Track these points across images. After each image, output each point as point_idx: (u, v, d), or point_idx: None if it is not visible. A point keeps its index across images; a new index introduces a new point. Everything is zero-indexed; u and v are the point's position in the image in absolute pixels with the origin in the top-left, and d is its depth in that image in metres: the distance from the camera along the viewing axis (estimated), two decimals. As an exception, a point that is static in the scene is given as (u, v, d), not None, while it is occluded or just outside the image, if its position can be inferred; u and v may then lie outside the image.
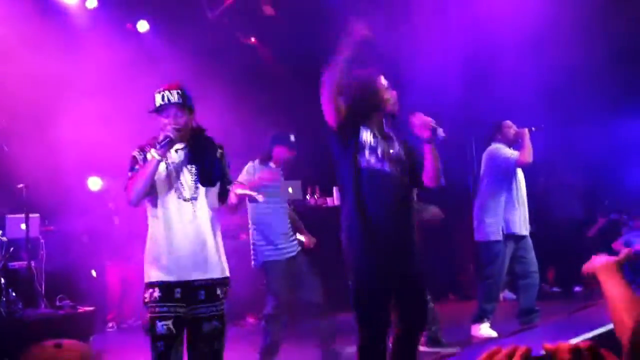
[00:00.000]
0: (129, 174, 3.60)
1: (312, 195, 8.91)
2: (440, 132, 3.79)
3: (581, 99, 9.03)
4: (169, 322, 3.50)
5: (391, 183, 3.84)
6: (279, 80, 9.99)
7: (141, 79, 8.22)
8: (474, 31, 8.42)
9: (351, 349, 3.86)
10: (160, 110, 3.63)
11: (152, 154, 3.54)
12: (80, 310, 6.55)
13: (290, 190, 7.45)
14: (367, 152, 3.82)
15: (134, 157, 3.63)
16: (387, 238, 3.76)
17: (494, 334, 5.97)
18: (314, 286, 5.38)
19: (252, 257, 5.39)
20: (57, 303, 6.60)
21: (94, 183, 8.64)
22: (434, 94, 7.52)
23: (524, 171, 6.30)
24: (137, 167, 3.59)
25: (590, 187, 9.40)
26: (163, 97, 3.63)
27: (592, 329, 4.03)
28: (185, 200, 3.58)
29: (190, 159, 3.65)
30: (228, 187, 3.72)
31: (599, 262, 2.07)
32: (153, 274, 3.56)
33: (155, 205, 3.59)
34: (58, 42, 8.11)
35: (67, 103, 7.86)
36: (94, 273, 7.92)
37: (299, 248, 5.42)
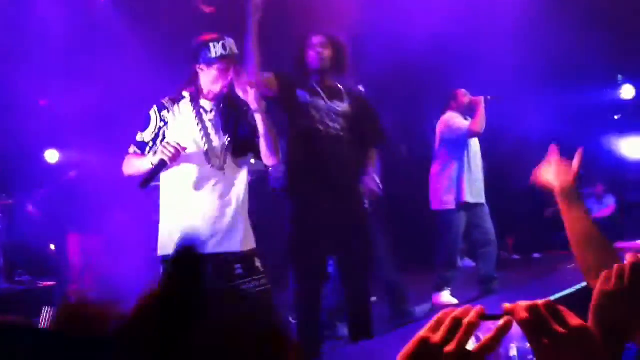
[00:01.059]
0: (142, 134, 3.29)
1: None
2: None
3: (546, 67, 9.09)
4: None
5: (331, 140, 3.98)
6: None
7: (100, 49, 8.07)
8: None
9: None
10: (213, 62, 3.25)
11: (150, 158, 3.20)
12: (40, 285, 6.46)
13: (252, 161, 7.40)
14: (306, 113, 3.97)
15: (150, 116, 3.30)
16: (320, 194, 3.91)
17: (454, 301, 6.04)
18: None
19: None
20: (16, 278, 6.50)
21: (52, 156, 8.49)
22: (396, 62, 7.50)
23: (483, 140, 6.34)
24: (147, 132, 3.28)
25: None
26: (225, 46, 3.25)
27: (551, 294, 4.10)
28: (215, 166, 3.28)
29: (223, 126, 3.34)
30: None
31: (557, 184, 1.98)
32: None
33: (181, 171, 3.25)
34: (14, 9, 7.88)
35: (24, 74, 7.66)
36: (52, 247, 7.80)
37: None
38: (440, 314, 1.02)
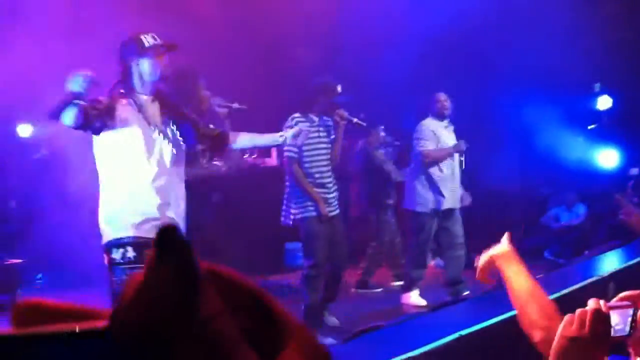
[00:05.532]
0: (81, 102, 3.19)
1: (250, 154, 8.80)
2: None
3: (524, 72, 9.14)
4: None
5: None
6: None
7: (81, 20, 7.90)
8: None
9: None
10: (147, 51, 3.44)
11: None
12: (8, 263, 6.38)
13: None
14: None
15: (99, 100, 3.34)
16: None
17: (423, 302, 6.09)
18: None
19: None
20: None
21: (24, 130, 8.36)
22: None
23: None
24: (98, 105, 3.28)
25: (526, 159, 9.60)
26: (154, 37, 3.48)
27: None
28: (164, 152, 3.45)
29: (170, 113, 3.56)
30: None
31: (494, 251, 2.06)
32: (120, 230, 3.34)
33: (124, 154, 3.39)
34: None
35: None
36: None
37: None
38: None
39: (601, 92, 10.39)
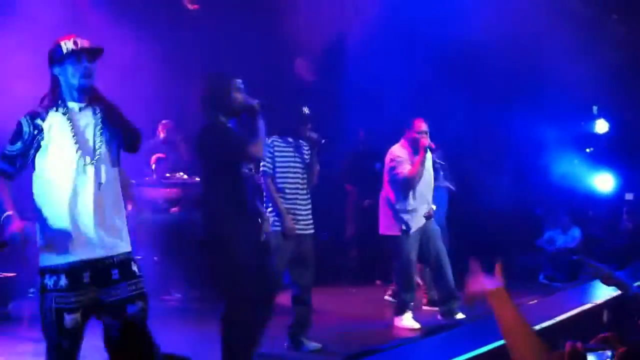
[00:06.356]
0: (8, 146, 3.17)
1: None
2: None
3: (521, 93, 9.16)
4: (78, 314, 3.15)
5: None
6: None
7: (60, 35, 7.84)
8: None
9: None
10: (67, 57, 3.21)
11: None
12: (0, 276, 6.34)
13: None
14: None
15: (21, 125, 3.17)
16: None
17: (416, 325, 6.02)
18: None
19: None
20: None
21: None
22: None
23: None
24: (19, 143, 3.15)
25: (521, 180, 9.60)
26: (75, 42, 3.21)
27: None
28: (92, 165, 3.20)
29: (105, 121, 3.27)
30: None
31: (488, 287, 2.10)
32: (54, 256, 3.14)
33: (52, 172, 3.19)
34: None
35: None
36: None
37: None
38: None
39: (598, 116, 10.43)
